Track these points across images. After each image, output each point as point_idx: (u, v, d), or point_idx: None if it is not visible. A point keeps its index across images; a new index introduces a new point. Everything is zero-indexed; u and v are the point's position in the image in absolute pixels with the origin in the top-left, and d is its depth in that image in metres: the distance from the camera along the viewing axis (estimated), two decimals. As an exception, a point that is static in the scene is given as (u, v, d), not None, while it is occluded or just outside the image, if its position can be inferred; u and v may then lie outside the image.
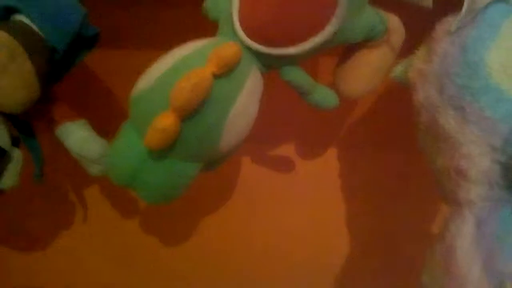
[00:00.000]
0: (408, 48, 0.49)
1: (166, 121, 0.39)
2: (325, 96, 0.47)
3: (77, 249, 0.71)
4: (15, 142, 0.49)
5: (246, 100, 0.43)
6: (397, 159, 0.67)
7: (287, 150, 0.70)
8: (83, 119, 0.50)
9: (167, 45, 0.45)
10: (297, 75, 0.45)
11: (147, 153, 0.42)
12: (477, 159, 0.40)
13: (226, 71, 0.40)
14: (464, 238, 0.39)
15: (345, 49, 0.49)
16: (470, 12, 0.43)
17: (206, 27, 0.46)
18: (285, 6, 0.41)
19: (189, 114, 0.39)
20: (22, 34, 0.42)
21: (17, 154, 0.49)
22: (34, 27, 0.43)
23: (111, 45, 0.56)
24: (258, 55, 0.43)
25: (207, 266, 0.72)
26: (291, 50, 0.42)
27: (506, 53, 0.41)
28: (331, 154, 0.70)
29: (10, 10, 0.44)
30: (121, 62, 0.60)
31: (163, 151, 0.41)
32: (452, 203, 0.43)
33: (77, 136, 0.48)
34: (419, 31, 0.48)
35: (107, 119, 0.49)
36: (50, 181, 0.56)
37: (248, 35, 0.42)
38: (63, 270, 0.71)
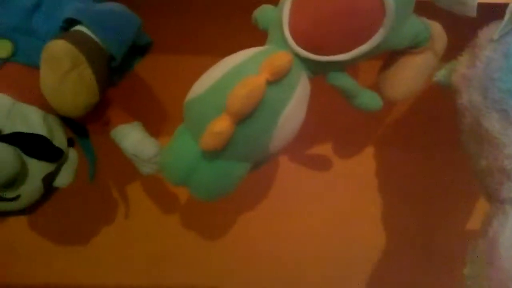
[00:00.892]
0: (449, 54, 0.51)
1: (222, 125, 0.41)
2: (369, 99, 0.48)
3: (119, 244, 0.73)
4: (70, 143, 0.52)
5: (295, 105, 0.44)
6: (434, 159, 0.69)
7: (326, 149, 0.71)
8: (137, 121, 0.52)
9: (217, 52, 0.47)
10: (343, 80, 0.47)
11: (201, 154, 0.44)
12: None
13: (279, 78, 0.42)
14: (507, 233, 0.41)
15: (389, 54, 0.50)
16: None
17: (255, 35, 0.48)
18: (335, 17, 0.43)
19: (243, 119, 0.41)
20: (83, 43, 0.44)
21: (72, 154, 0.51)
22: (94, 36, 0.46)
23: (162, 51, 0.58)
24: (307, 62, 0.45)
25: (244, 264, 0.73)
26: (339, 57, 0.44)
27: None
28: (370, 153, 0.71)
29: (71, 21, 0.46)
30: (170, 68, 0.63)
31: (216, 152, 0.43)
32: (495, 201, 0.45)
33: (132, 137, 0.51)
34: (460, 37, 0.49)
35: (158, 122, 0.52)
36: (99, 180, 0.58)
37: (298, 43, 0.44)
38: (105, 265, 0.74)
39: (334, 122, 0.69)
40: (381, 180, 0.72)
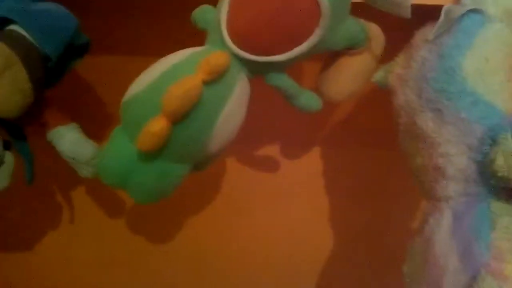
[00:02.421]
0: (389, 55, 0.51)
1: (158, 125, 0.40)
2: (309, 100, 0.49)
3: (65, 249, 0.72)
4: (6, 146, 0.50)
5: (234, 105, 0.44)
6: (380, 156, 0.69)
7: (272, 150, 0.71)
8: (74, 123, 0.51)
9: (157, 52, 0.47)
10: (282, 81, 0.47)
11: (138, 155, 0.44)
12: (454, 157, 0.43)
13: (216, 78, 0.42)
14: (442, 231, 0.42)
15: (328, 55, 0.51)
16: (447, 22, 0.45)
17: (196, 35, 0.48)
18: (272, 17, 0.43)
19: (180, 119, 0.41)
20: (16, 44, 0.43)
21: (8, 157, 0.50)
22: (28, 36, 0.45)
23: (103, 52, 0.58)
24: (245, 62, 0.45)
25: (193, 266, 0.73)
26: (277, 58, 0.44)
27: (481, 60, 0.43)
28: (315, 153, 0.71)
29: (4, 21, 0.45)
30: (112, 69, 0.62)
31: (154, 153, 0.43)
32: (431, 198, 0.46)
33: (69, 139, 0.50)
34: (400, 39, 0.50)
35: (98, 124, 0.51)
36: (39, 182, 0.57)
37: (236, 44, 0.44)
38: (50, 270, 0.72)
39: (279, 123, 0.69)
40: (327, 180, 0.72)
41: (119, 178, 0.45)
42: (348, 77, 0.50)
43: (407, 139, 0.48)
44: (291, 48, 0.44)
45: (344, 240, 0.73)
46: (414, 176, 0.48)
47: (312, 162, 0.71)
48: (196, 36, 0.48)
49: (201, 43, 0.48)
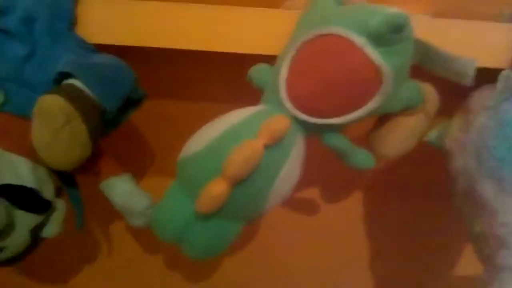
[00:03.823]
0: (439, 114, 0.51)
1: (218, 189, 0.41)
2: (363, 159, 0.49)
3: (101, 285, 0.72)
4: (58, 192, 0.50)
5: (291, 166, 0.44)
6: (423, 208, 0.69)
7: (312, 193, 0.71)
8: (128, 173, 0.51)
9: (212, 102, 0.47)
10: (338, 141, 0.47)
11: (195, 214, 0.44)
12: None
13: (277, 143, 0.42)
14: None
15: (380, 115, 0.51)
16: (508, 90, 0.44)
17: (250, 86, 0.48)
18: (333, 84, 0.43)
19: (239, 182, 0.41)
20: (76, 99, 0.44)
21: (60, 204, 0.50)
22: (87, 90, 0.45)
23: (157, 100, 0.58)
24: (303, 123, 0.45)
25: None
26: (336, 120, 0.44)
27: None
28: (357, 198, 0.71)
29: (65, 74, 0.46)
30: (167, 117, 0.62)
31: (211, 214, 0.43)
32: (490, 266, 0.45)
33: (122, 189, 0.50)
34: (451, 96, 0.49)
35: (151, 174, 0.51)
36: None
37: (294, 106, 0.44)
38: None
39: (321, 166, 0.68)
40: (367, 226, 0.72)
41: (174, 235, 0.45)
42: (401, 136, 0.50)
43: (464, 203, 0.47)
44: (349, 113, 0.44)
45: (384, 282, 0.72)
46: (472, 241, 0.47)
47: (352, 207, 0.71)
48: (251, 88, 0.48)
49: (255, 96, 0.48)
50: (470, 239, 0.47)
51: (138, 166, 0.54)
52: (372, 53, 0.41)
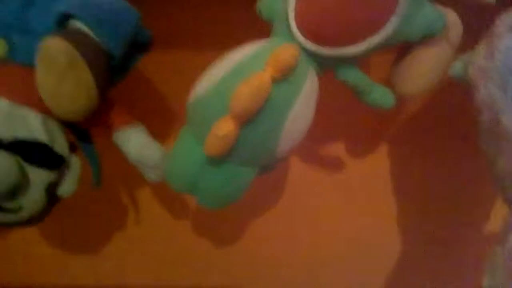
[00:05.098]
0: (464, 44, 0.48)
1: (226, 128, 0.39)
2: (382, 96, 0.46)
3: (129, 252, 0.72)
4: (72, 149, 0.50)
5: (303, 103, 0.42)
6: (454, 149, 0.66)
7: (338, 148, 0.69)
8: (140, 124, 0.50)
9: (221, 45, 0.45)
10: (354, 75, 0.45)
11: (206, 159, 0.42)
12: None
13: (286, 75, 0.40)
14: None
15: (401, 47, 0.48)
16: None
17: (262, 26, 0.46)
18: (344, 5, 0.40)
19: (248, 120, 0.39)
20: (80, 43, 0.42)
21: (75, 161, 0.50)
22: (91, 33, 0.44)
23: (164, 47, 0.56)
24: (315, 56, 0.43)
25: (260, 268, 0.72)
26: (351, 50, 0.42)
27: None
28: (383, 151, 0.69)
29: (67, 16, 0.44)
30: (175, 65, 0.61)
31: (222, 157, 0.41)
32: (515, 205, 0.42)
33: (135, 142, 0.49)
34: (476, 25, 0.47)
35: (162, 123, 0.50)
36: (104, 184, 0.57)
37: (305, 36, 0.42)
38: (115, 272, 0.73)
39: (344, 121, 0.68)
40: (396, 179, 0.70)
41: (187, 183, 0.44)
42: (424, 70, 0.47)
43: (488, 139, 0.45)
44: (364, 39, 0.41)
45: (411, 244, 0.70)
46: (496, 180, 0.44)
47: (379, 160, 0.69)
48: (262, 29, 0.46)
49: (266, 35, 0.46)
50: (494, 179, 0.45)
51: (152, 118, 0.52)
52: None
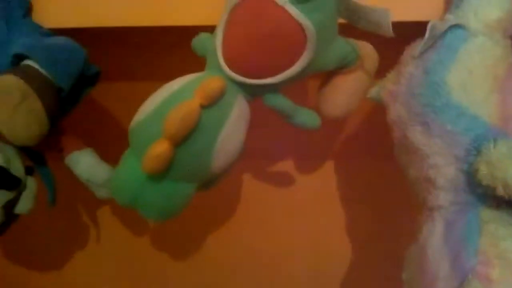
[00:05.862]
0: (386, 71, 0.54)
1: (160, 148, 0.43)
2: (307, 118, 0.51)
3: (90, 267, 0.76)
4: (28, 171, 0.54)
5: (233, 126, 0.47)
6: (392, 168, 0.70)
7: (286, 165, 0.74)
8: (89, 148, 0.55)
9: (160, 78, 0.50)
10: (278, 101, 0.50)
11: (146, 176, 0.47)
12: (443, 168, 0.45)
13: (213, 102, 0.45)
14: (434, 239, 0.44)
15: (326, 74, 0.53)
16: (432, 38, 0.47)
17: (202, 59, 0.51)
18: (260, 43, 0.46)
19: (181, 141, 0.44)
20: (31, 77, 0.47)
21: (30, 182, 0.54)
22: (42, 70, 0.49)
23: (116, 79, 0.62)
24: (241, 85, 0.48)
25: (215, 281, 0.75)
26: (268, 80, 0.47)
27: (464, 73, 0.45)
28: (329, 166, 0.73)
29: (20, 57, 0.49)
30: (124, 94, 0.65)
31: (160, 174, 0.46)
32: (425, 208, 0.48)
33: (85, 163, 0.54)
34: (395, 55, 0.52)
35: (111, 147, 0.54)
36: (63, 204, 0.61)
37: (231, 68, 0.47)
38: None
39: (292, 138, 0.70)
40: (341, 191, 0.74)
41: (130, 198, 0.48)
42: (343, 95, 0.53)
43: (400, 152, 0.50)
44: (281, 71, 0.47)
45: (359, 251, 0.75)
46: (410, 187, 0.50)
47: (325, 174, 0.74)
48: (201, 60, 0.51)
49: (203, 68, 0.51)
50: (408, 186, 0.50)
51: (104, 143, 0.57)
52: (293, 10, 0.44)
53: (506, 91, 0.45)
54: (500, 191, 0.40)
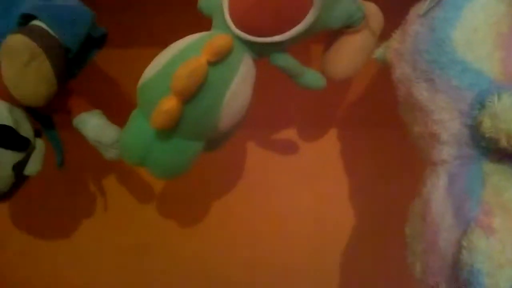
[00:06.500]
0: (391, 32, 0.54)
1: (169, 104, 0.44)
2: (312, 78, 0.52)
3: (98, 237, 0.76)
4: (37, 134, 0.55)
5: (240, 84, 0.48)
6: (395, 135, 0.70)
7: (290, 133, 0.74)
8: (97, 109, 0.55)
9: (169, 42, 0.50)
10: (285, 60, 0.50)
11: (155, 134, 0.48)
12: (447, 123, 0.45)
13: (220, 59, 0.46)
14: (438, 192, 0.45)
15: (330, 35, 0.54)
16: None
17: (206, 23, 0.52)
18: (267, 2, 0.47)
19: (189, 97, 0.45)
20: (40, 37, 0.48)
21: (39, 144, 0.55)
22: (50, 30, 0.49)
23: (120, 44, 0.62)
24: (248, 43, 0.49)
25: (220, 246, 0.76)
26: (276, 38, 0.48)
27: (469, 30, 0.46)
28: (332, 134, 0.74)
29: (28, 17, 0.50)
30: (128, 60, 0.65)
31: (169, 132, 0.47)
32: (429, 163, 0.48)
33: (93, 124, 0.54)
34: (400, 16, 0.52)
35: (118, 110, 0.55)
36: (71, 172, 0.62)
37: (238, 27, 0.48)
38: (84, 259, 0.76)
39: (294, 106, 0.72)
40: (346, 159, 0.75)
41: (138, 156, 0.49)
42: (348, 55, 0.53)
43: (405, 110, 0.51)
44: (288, 29, 0.47)
45: (367, 218, 0.75)
46: (414, 144, 0.51)
47: (329, 142, 0.74)
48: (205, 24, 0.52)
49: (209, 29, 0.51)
50: (413, 143, 0.51)
51: (110, 107, 0.57)
52: None
53: (509, 47, 0.45)
54: (503, 143, 0.40)
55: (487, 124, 0.41)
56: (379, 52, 0.54)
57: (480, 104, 0.43)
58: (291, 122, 0.74)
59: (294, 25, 0.47)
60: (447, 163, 0.46)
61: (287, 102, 0.71)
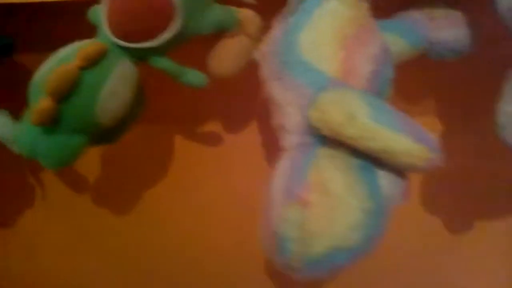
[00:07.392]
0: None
1: (43, 103, 0.51)
2: (193, 77, 0.58)
3: (39, 224, 0.82)
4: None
5: (115, 84, 0.54)
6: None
7: (214, 126, 0.79)
8: (2, 110, 0.60)
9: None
10: (162, 63, 0.57)
11: (40, 130, 0.53)
12: (292, 116, 0.51)
13: (91, 63, 0.52)
14: (278, 174, 0.50)
15: (214, 39, 0.60)
16: (295, 4, 0.53)
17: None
18: (135, 12, 0.54)
19: (61, 97, 0.51)
20: None
21: None
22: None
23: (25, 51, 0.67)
24: (125, 49, 0.55)
25: (156, 235, 0.81)
26: (146, 44, 0.55)
27: (314, 34, 0.52)
28: (254, 126, 0.78)
29: None
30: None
31: (51, 128, 0.53)
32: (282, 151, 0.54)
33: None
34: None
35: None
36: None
37: (115, 34, 0.55)
38: (28, 245, 0.82)
39: (218, 101, 0.76)
40: (267, 149, 0.78)
41: (28, 150, 0.55)
42: (228, 56, 0.59)
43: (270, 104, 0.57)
44: (156, 35, 0.54)
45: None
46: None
47: (251, 133, 0.78)
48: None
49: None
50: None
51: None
52: None
53: (350, 48, 0.51)
54: (326, 132, 0.46)
55: (312, 116, 0.47)
56: (257, 54, 0.60)
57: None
58: (215, 115, 0.78)
59: (160, 33, 0.54)
60: (292, 150, 0.51)
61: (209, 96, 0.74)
